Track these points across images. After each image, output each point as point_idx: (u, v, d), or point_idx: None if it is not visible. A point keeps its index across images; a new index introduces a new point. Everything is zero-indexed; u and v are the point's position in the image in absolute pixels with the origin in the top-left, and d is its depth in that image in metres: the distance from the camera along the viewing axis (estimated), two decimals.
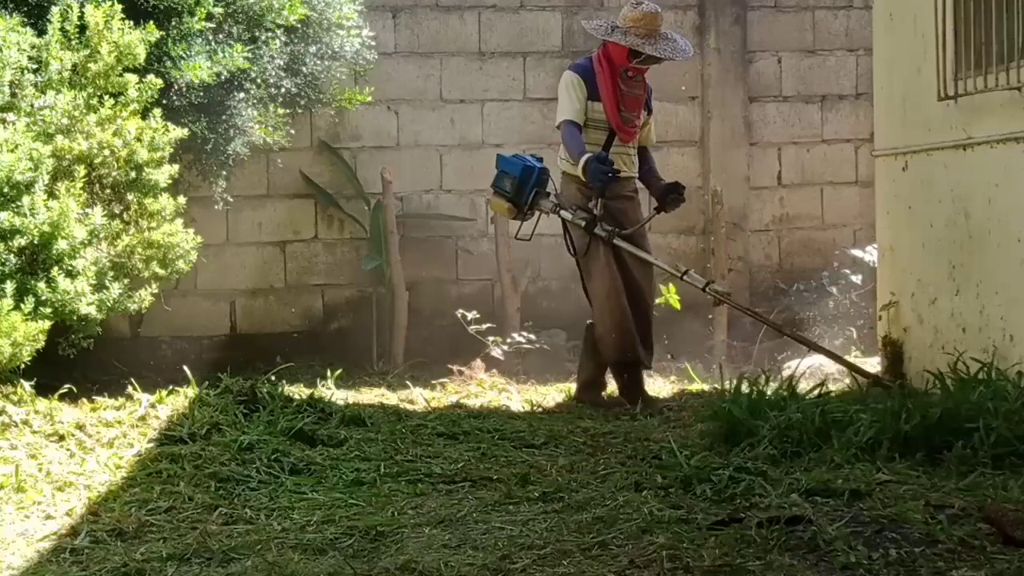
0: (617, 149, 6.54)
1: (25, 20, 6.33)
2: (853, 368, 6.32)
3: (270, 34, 7.35)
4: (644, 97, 6.63)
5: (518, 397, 7.05)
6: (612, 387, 6.77)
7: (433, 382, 7.49)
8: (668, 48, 6.44)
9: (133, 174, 6.44)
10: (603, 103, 6.48)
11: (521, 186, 6.53)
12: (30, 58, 6.19)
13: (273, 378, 6.45)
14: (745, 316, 8.94)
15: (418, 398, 6.88)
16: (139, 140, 6.41)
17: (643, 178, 6.77)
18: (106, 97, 6.42)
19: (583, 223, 6.41)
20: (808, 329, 8.68)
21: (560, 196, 6.56)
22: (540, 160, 6.67)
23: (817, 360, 7.40)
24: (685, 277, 6.40)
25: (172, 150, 6.66)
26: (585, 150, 6.35)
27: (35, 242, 5.83)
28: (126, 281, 6.42)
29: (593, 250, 6.45)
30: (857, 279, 8.83)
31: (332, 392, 6.58)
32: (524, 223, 6.66)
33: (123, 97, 6.47)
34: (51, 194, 5.96)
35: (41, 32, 6.34)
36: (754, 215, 9.34)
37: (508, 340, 8.21)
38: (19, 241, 5.77)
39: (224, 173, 7.70)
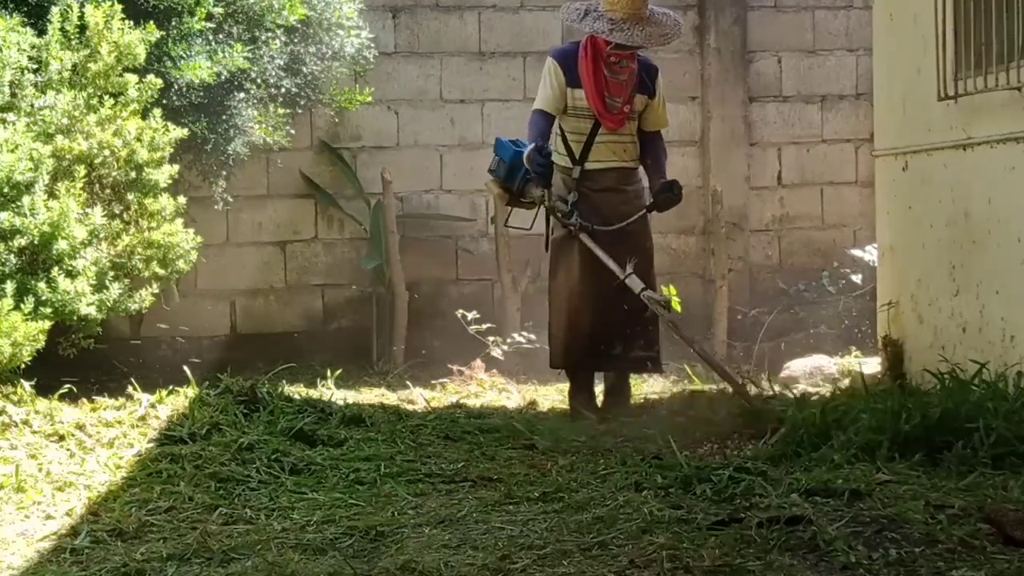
0: (604, 138, 6.21)
1: (25, 20, 6.33)
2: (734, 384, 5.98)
3: (270, 34, 7.36)
4: (632, 82, 6.22)
5: (518, 397, 7.05)
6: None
7: (433, 382, 7.50)
8: (640, 35, 6.01)
9: (133, 174, 6.44)
10: (584, 90, 6.16)
11: (512, 172, 6.25)
12: (30, 58, 6.20)
13: (273, 378, 6.45)
14: (745, 316, 8.96)
15: (418, 398, 6.88)
16: (139, 140, 6.41)
17: (646, 167, 6.38)
18: (106, 97, 6.42)
19: (560, 214, 6.14)
20: (808, 329, 8.69)
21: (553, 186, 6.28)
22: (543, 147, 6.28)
23: (816, 361, 7.41)
24: (627, 280, 5.98)
25: (172, 150, 6.65)
26: (536, 140, 6.08)
27: (35, 242, 5.83)
28: (126, 281, 6.42)
29: (564, 245, 6.19)
30: (857, 279, 8.82)
31: (332, 392, 6.58)
32: (525, 212, 6.46)
33: (123, 97, 6.47)
34: (51, 194, 5.96)
35: (41, 32, 6.34)
36: (754, 215, 9.34)
37: (508, 340, 8.22)
38: (19, 241, 5.77)
39: (224, 173, 7.70)
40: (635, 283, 5.99)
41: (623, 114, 6.22)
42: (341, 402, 6.08)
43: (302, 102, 7.99)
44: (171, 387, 6.16)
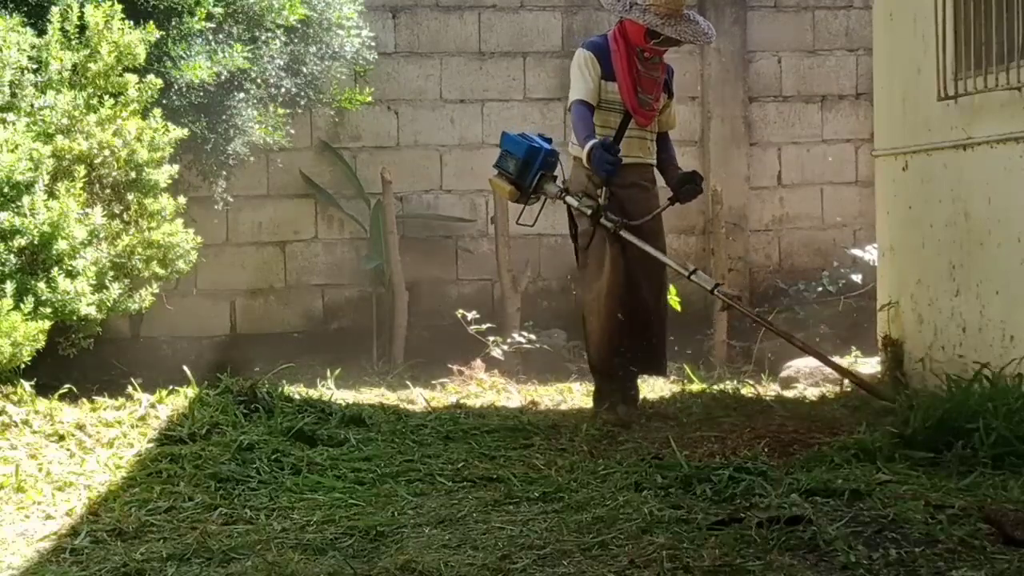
0: (633, 133, 6.04)
1: (25, 20, 6.33)
2: (860, 382, 5.93)
3: (270, 34, 7.36)
4: (663, 79, 6.13)
5: (518, 397, 7.05)
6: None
7: (433, 382, 7.49)
8: (689, 31, 5.92)
9: (133, 174, 6.44)
10: (618, 83, 5.98)
11: (525, 168, 5.98)
12: (30, 58, 6.19)
13: (273, 378, 6.45)
14: (745, 316, 8.96)
15: (418, 398, 6.88)
16: (139, 140, 6.41)
17: (660, 165, 6.24)
18: (106, 97, 6.42)
19: (589, 211, 5.89)
20: (808, 329, 8.68)
21: (568, 182, 6.07)
22: (549, 141, 6.13)
23: (816, 361, 7.39)
24: (693, 277, 5.85)
25: (172, 150, 6.66)
26: (593, 134, 5.85)
27: (35, 242, 5.83)
28: (126, 281, 6.42)
29: (597, 243, 5.94)
30: (857, 279, 8.83)
31: (332, 392, 6.59)
32: (528, 208, 6.19)
33: (123, 97, 6.47)
34: (51, 194, 5.96)
35: (41, 32, 6.34)
36: (754, 215, 9.34)
37: (508, 340, 8.22)
38: (19, 241, 5.77)
39: (224, 173, 7.71)
40: (705, 279, 5.85)
41: (653, 110, 6.09)
42: (341, 402, 6.08)
43: (302, 102, 7.99)
44: (171, 387, 6.17)
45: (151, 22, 6.63)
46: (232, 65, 6.94)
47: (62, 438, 5.34)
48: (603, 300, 5.93)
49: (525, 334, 8.30)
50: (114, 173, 6.38)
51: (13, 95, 6.10)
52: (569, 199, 5.97)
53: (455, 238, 8.96)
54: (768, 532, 3.74)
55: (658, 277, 6.10)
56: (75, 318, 6.04)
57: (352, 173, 8.74)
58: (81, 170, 6.15)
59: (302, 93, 7.90)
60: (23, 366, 5.78)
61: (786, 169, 9.45)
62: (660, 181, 6.27)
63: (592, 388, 6.37)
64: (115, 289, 6.26)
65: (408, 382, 7.42)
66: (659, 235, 6.15)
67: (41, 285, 5.82)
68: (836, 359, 7.61)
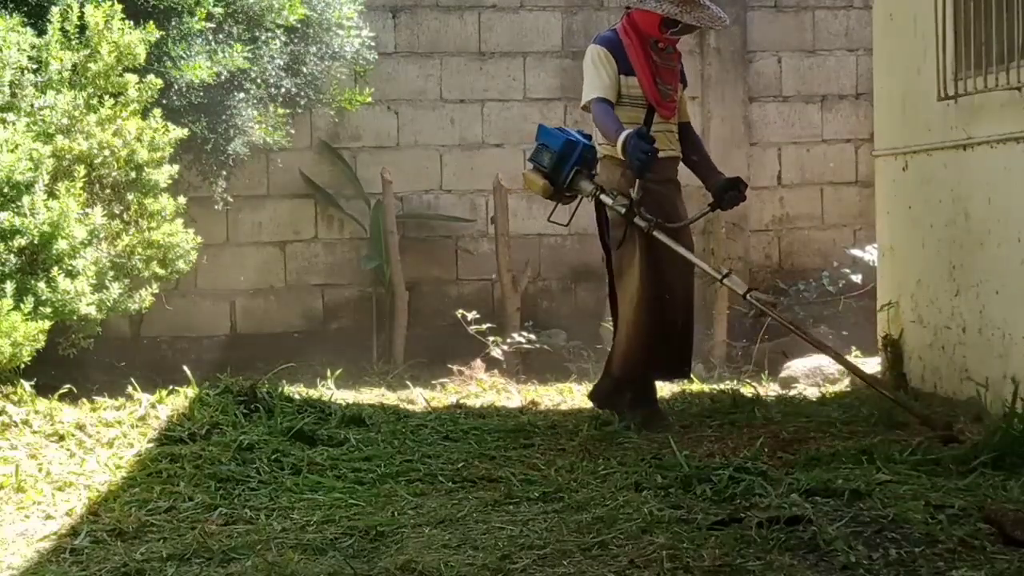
0: (658, 127, 5.79)
1: (25, 20, 6.33)
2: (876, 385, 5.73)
3: (270, 34, 7.36)
4: (679, 68, 5.98)
5: (518, 397, 7.05)
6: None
7: (433, 382, 7.50)
8: (706, 16, 5.73)
9: (133, 174, 6.45)
10: (638, 77, 5.77)
11: (560, 162, 5.77)
12: (30, 58, 6.19)
13: (273, 378, 6.45)
14: (745, 317, 8.96)
15: (418, 398, 6.88)
16: (139, 140, 6.41)
17: (693, 165, 6.08)
18: (106, 97, 6.42)
19: (623, 210, 5.65)
20: (808, 329, 8.68)
21: (599, 180, 5.81)
22: (588, 137, 5.89)
23: (816, 361, 7.41)
24: (726, 281, 5.63)
25: (172, 150, 6.66)
26: (622, 126, 5.57)
27: (35, 242, 5.83)
28: (126, 281, 6.42)
29: (629, 245, 5.71)
30: (857, 279, 8.83)
31: (332, 392, 6.59)
32: (561, 206, 5.99)
33: (123, 97, 6.47)
34: (51, 194, 5.96)
35: (41, 32, 6.34)
36: (754, 215, 9.34)
37: (508, 340, 8.22)
38: (19, 241, 5.77)
39: (224, 173, 7.71)
40: (737, 284, 5.65)
41: (674, 101, 5.91)
42: (341, 402, 6.08)
43: (302, 102, 7.99)
44: (171, 387, 6.17)
45: (151, 22, 6.63)
46: (232, 65, 6.94)
47: (62, 438, 5.34)
48: (638, 307, 5.71)
49: (525, 334, 8.31)
50: (114, 173, 6.38)
51: (13, 95, 6.10)
52: (604, 197, 5.76)
53: (455, 238, 8.96)
54: (768, 532, 3.74)
55: (688, 278, 5.86)
56: (75, 318, 6.04)
57: (352, 173, 8.74)
58: (81, 170, 6.15)
59: (302, 93, 7.91)
60: (23, 366, 5.77)
61: (786, 169, 9.44)
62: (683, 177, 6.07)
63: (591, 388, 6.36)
64: (115, 289, 6.26)
65: (408, 382, 7.42)
66: (688, 235, 5.95)
67: (41, 285, 5.82)
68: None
